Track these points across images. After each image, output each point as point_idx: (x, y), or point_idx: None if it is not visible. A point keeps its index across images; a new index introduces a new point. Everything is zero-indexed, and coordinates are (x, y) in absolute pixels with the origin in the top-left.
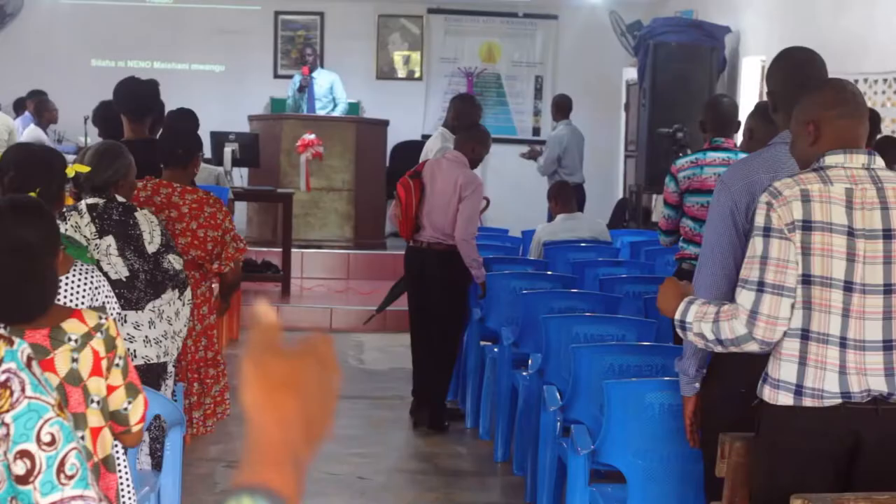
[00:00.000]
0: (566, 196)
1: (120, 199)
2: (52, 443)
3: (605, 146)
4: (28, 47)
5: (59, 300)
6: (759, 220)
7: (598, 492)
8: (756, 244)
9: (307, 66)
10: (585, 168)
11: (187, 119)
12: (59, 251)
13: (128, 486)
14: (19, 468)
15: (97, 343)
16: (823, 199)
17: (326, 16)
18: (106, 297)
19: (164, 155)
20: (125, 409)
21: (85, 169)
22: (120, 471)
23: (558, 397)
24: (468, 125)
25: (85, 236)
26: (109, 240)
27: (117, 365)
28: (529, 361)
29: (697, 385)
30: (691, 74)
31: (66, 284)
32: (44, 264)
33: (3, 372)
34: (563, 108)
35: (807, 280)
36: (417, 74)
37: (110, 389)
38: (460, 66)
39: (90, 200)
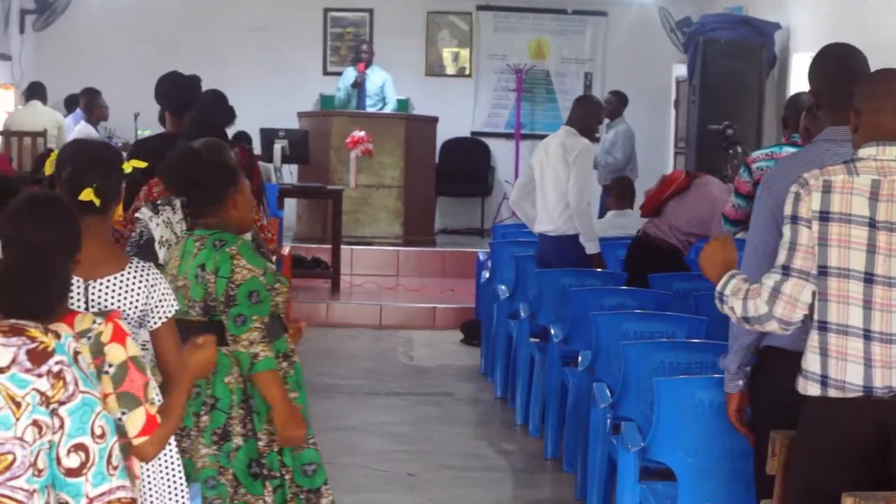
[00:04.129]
0: (627, 192)
1: None
2: (103, 435)
3: (655, 143)
4: (77, 44)
5: (113, 297)
6: (788, 208)
7: (648, 489)
8: (786, 231)
9: (363, 63)
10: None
11: (220, 111)
12: (75, 252)
13: (170, 474)
14: (73, 461)
15: (79, 349)
16: (845, 191)
17: (375, 13)
18: (163, 294)
19: None
20: (119, 419)
21: (142, 164)
22: (160, 460)
23: (608, 394)
24: None
25: (175, 233)
26: None
27: (106, 372)
28: (579, 358)
29: (740, 382)
30: (741, 71)
31: (121, 282)
32: (55, 264)
33: (56, 363)
34: (624, 104)
35: (822, 271)
36: (467, 71)
37: (104, 397)
38: (509, 63)
39: None
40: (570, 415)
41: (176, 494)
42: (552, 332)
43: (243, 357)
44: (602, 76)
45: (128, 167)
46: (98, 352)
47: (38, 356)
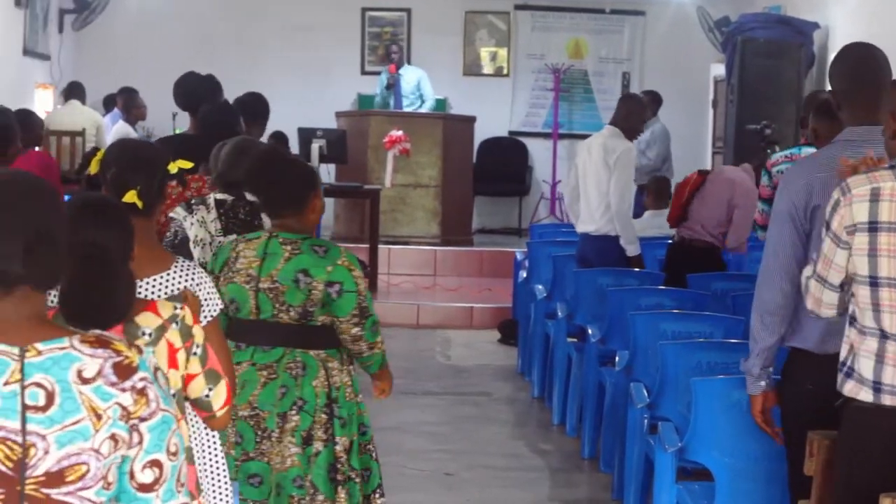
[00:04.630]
0: (664, 192)
1: (250, 197)
2: (176, 453)
3: (693, 142)
4: (116, 44)
5: (157, 297)
6: (826, 214)
7: (685, 489)
8: (823, 232)
9: (393, 65)
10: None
11: (225, 113)
12: (131, 253)
13: (216, 474)
14: (147, 477)
15: (172, 335)
16: (894, 198)
17: (413, 12)
18: (208, 294)
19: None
20: (206, 395)
21: (188, 165)
22: (207, 460)
23: (645, 394)
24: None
25: (210, 232)
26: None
27: (195, 353)
28: (616, 358)
29: (763, 384)
30: (779, 71)
31: (166, 281)
32: (118, 267)
33: (141, 380)
34: (658, 103)
35: (874, 282)
36: (504, 71)
37: (189, 378)
38: (547, 63)
39: (219, 196)
40: (608, 415)
41: (220, 491)
42: (589, 331)
43: (377, 357)
44: (640, 76)
45: (173, 167)
46: (187, 334)
47: (124, 371)
